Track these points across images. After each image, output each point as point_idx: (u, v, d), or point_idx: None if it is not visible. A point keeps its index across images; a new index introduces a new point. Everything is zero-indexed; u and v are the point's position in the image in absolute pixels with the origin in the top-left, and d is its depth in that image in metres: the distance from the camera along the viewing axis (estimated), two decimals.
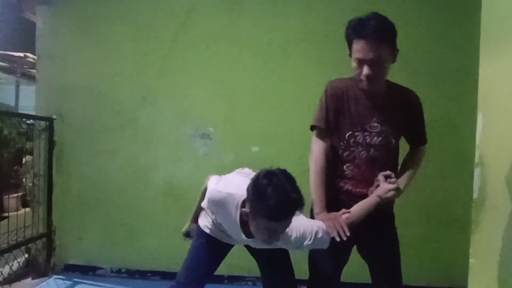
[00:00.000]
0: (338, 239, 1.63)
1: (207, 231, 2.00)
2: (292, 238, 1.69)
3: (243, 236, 1.76)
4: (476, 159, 1.85)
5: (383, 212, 1.84)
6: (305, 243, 1.69)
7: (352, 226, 1.69)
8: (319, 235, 1.68)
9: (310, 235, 1.68)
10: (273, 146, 3.23)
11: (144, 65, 3.42)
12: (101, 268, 3.48)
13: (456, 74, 3.09)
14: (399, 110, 1.86)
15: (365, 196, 1.82)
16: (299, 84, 3.20)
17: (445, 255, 3.11)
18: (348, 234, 1.64)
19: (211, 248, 2.01)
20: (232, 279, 3.27)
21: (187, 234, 2.17)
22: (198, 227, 2.05)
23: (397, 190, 1.76)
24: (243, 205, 1.68)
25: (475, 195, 1.84)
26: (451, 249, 3.06)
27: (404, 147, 1.98)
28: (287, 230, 1.65)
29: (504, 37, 1.68)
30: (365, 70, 1.69)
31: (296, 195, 1.55)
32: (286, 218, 1.57)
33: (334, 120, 1.85)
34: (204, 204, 1.89)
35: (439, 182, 3.10)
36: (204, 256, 2.01)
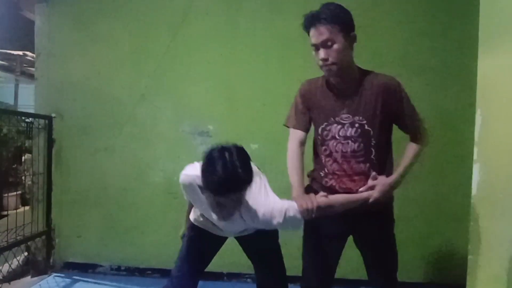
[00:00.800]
0: (305, 217, 1.67)
1: (197, 224, 2.01)
2: (261, 215, 1.70)
3: (215, 217, 1.77)
4: (475, 156, 1.85)
5: (381, 205, 1.83)
6: (275, 221, 1.68)
7: (332, 212, 1.73)
8: (290, 214, 1.67)
9: (280, 213, 1.67)
10: (272, 143, 3.22)
11: (143, 63, 3.42)
12: (100, 266, 3.48)
13: (454, 71, 3.09)
14: (374, 97, 1.79)
15: (349, 191, 1.82)
16: (297, 82, 3.19)
17: (443, 252, 3.12)
18: (313, 215, 1.65)
19: (202, 241, 2.02)
20: (232, 276, 3.28)
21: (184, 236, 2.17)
22: (189, 221, 2.08)
23: (376, 199, 1.77)
24: None
25: (473, 191, 1.84)
26: (449, 245, 3.07)
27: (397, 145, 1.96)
28: (255, 207, 1.69)
29: (503, 34, 1.68)
30: (321, 53, 1.73)
31: (244, 172, 1.55)
32: (231, 193, 1.56)
33: (304, 116, 1.94)
34: (183, 194, 1.89)
35: (437, 178, 3.11)
36: (195, 249, 2.02)
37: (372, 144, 1.80)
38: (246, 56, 3.33)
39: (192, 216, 2.07)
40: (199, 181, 1.65)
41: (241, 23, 3.35)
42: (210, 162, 1.58)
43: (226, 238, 2.08)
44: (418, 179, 3.13)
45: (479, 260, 1.80)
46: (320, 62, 1.75)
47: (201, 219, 1.99)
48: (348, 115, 1.80)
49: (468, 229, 1.86)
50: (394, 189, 1.83)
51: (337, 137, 1.83)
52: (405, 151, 1.87)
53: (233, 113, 3.33)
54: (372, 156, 1.81)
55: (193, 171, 1.76)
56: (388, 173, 1.84)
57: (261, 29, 3.32)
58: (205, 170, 1.59)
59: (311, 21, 1.73)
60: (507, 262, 1.61)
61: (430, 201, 3.14)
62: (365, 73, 1.84)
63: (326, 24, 1.68)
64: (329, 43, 1.69)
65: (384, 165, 1.86)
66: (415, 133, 1.88)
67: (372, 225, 1.87)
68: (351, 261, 2.13)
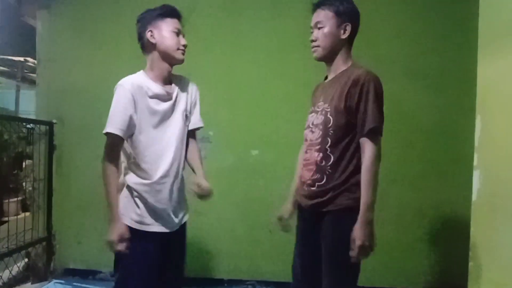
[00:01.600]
0: None
1: (136, 216, 1.86)
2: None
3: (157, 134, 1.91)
4: (475, 162, 1.85)
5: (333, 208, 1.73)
6: None
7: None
8: None
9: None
10: (272, 149, 3.23)
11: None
12: (100, 272, 3.47)
13: (454, 77, 3.10)
14: (344, 88, 1.72)
15: (303, 181, 1.84)
16: (298, 87, 3.20)
17: (444, 258, 3.10)
18: None
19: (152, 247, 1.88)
20: (232, 282, 3.26)
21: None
22: (121, 224, 1.81)
23: None
24: None
25: (474, 197, 1.84)
26: (450, 252, 3.06)
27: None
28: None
29: (502, 40, 1.69)
30: (312, 35, 1.83)
31: None
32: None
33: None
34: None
35: (438, 184, 3.10)
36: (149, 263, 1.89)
37: (330, 133, 1.73)
38: (247, 61, 3.34)
39: (127, 210, 1.84)
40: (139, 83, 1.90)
41: (242, 28, 3.36)
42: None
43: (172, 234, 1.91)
44: (418, 185, 3.14)
45: (480, 266, 1.80)
46: (311, 44, 1.84)
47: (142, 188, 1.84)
48: (322, 103, 1.82)
49: (469, 235, 1.86)
50: (371, 218, 1.64)
51: (310, 125, 1.87)
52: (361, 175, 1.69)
53: (234, 119, 3.33)
54: (327, 146, 1.73)
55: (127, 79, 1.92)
56: (341, 174, 1.72)
57: (262, 34, 3.33)
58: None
59: (314, 7, 1.84)
60: (508, 268, 1.61)
61: (430, 207, 3.13)
62: (354, 66, 1.79)
63: (323, 9, 1.78)
64: (320, 26, 1.78)
65: (338, 162, 1.72)
66: (364, 139, 1.67)
67: (318, 229, 1.78)
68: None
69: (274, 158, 3.20)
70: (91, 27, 3.51)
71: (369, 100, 1.66)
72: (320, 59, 1.85)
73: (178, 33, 1.95)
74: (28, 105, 6.06)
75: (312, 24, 1.82)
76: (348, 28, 1.76)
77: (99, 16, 3.49)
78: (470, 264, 1.84)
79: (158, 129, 1.88)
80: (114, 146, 1.81)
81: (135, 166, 1.86)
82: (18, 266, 3.36)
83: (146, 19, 1.92)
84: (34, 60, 5.13)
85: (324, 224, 1.75)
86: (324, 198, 1.74)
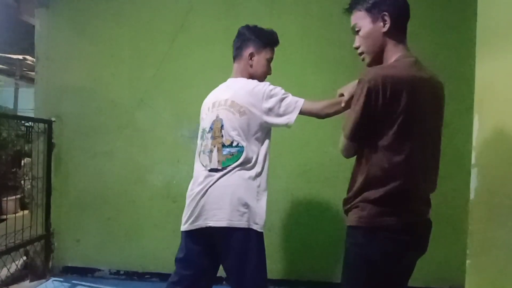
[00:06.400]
0: None
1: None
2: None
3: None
4: (473, 161, 1.85)
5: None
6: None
7: None
8: None
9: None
10: (271, 148, 3.22)
11: (142, 67, 3.43)
12: (99, 270, 3.48)
13: (452, 76, 3.09)
14: None
15: None
16: (296, 87, 3.18)
17: (442, 256, 3.10)
18: None
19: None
20: None
21: None
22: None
23: None
24: None
25: (471, 196, 1.84)
26: (448, 250, 3.06)
27: None
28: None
29: (500, 39, 1.69)
30: (355, 42, 1.65)
31: None
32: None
33: None
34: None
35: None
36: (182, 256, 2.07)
37: None
38: None
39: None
40: None
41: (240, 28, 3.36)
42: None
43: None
44: None
45: (478, 265, 1.80)
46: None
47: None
48: None
49: (467, 234, 1.87)
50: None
51: None
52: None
53: None
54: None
55: None
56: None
57: None
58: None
59: (348, 13, 1.65)
60: (506, 266, 1.61)
61: None
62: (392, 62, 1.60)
63: (355, 11, 1.61)
64: (357, 29, 1.61)
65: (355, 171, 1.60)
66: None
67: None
68: None
69: (272, 155, 3.19)
70: (90, 25, 3.51)
71: (353, 99, 1.52)
72: (370, 64, 1.61)
73: (270, 61, 2.10)
74: (27, 103, 6.07)
75: (352, 31, 1.64)
76: (387, 18, 1.53)
77: (98, 15, 3.49)
78: (468, 262, 1.85)
79: None
80: None
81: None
82: (16, 264, 3.37)
83: (252, 40, 2.05)
84: (32, 58, 5.13)
85: None
86: (344, 208, 1.63)
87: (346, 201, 1.60)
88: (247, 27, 2.10)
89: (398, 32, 1.57)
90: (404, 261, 1.57)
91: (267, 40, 2.06)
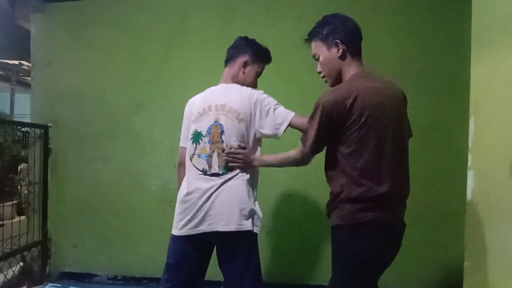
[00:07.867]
0: None
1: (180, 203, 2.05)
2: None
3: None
4: (469, 162, 1.86)
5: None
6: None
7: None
8: None
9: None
10: (269, 150, 3.22)
11: (139, 71, 3.43)
12: (97, 276, 3.46)
13: (448, 79, 3.11)
14: None
15: None
16: (292, 91, 3.20)
17: (439, 258, 3.11)
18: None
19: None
20: None
21: None
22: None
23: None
24: None
25: (468, 197, 1.85)
26: (445, 252, 3.07)
27: None
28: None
29: (495, 42, 1.70)
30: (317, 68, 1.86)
31: None
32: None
33: None
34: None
35: (432, 185, 3.11)
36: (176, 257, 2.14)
37: None
38: None
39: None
40: None
41: (236, 31, 3.33)
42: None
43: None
44: (413, 186, 3.13)
45: (475, 266, 1.80)
46: None
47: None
48: None
49: (464, 235, 1.87)
50: (249, 162, 1.98)
51: None
52: None
53: None
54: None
55: None
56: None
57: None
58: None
59: (308, 42, 1.87)
60: (503, 267, 1.62)
61: (425, 207, 3.14)
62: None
63: (312, 41, 1.83)
64: (316, 57, 1.82)
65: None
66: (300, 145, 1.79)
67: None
68: None
69: None
70: (86, 30, 3.51)
71: (311, 113, 1.69)
72: (333, 85, 1.78)
73: (259, 75, 2.23)
74: (23, 108, 6.06)
75: (314, 58, 1.86)
76: (340, 45, 1.73)
77: (94, 19, 3.50)
78: (466, 263, 1.85)
79: None
80: None
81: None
82: (13, 270, 3.35)
83: (248, 51, 2.16)
84: (29, 64, 5.12)
85: None
86: (327, 212, 1.74)
87: (327, 206, 1.72)
88: (246, 38, 2.20)
89: (352, 53, 1.75)
90: (385, 257, 1.64)
91: (261, 55, 2.17)
